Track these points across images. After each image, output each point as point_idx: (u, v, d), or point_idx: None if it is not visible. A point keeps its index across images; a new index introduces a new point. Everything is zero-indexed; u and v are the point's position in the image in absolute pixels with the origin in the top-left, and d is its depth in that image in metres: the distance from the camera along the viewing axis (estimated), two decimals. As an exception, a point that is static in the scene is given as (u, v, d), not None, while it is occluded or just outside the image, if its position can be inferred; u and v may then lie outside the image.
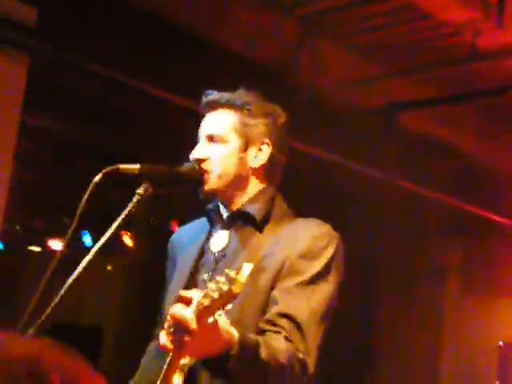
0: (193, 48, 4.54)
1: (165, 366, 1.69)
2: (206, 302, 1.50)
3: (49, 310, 1.64)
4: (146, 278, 7.86)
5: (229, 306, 1.52)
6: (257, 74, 4.56)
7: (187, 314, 1.51)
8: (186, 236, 2.14)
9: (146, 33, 4.37)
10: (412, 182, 6.11)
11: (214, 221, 2.03)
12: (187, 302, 1.55)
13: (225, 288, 1.47)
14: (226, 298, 1.48)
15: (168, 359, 1.68)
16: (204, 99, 2.01)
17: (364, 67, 5.19)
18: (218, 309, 1.51)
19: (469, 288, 7.35)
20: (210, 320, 1.52)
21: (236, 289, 1.47)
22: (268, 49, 4.77)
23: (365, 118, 5.39)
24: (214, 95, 1.99)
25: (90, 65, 4.21)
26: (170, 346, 1.60)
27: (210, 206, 2.04)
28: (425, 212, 6.87)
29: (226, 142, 1.95)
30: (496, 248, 7.19)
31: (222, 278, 1.49)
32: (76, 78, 4.46)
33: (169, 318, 1.57)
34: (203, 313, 1.51)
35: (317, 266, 1.85)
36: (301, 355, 1.75)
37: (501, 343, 6.24)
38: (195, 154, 1.95)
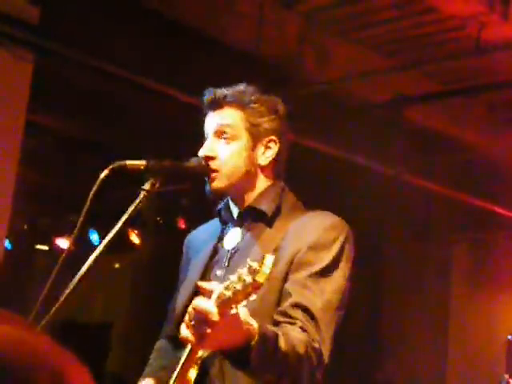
0: (195, 43, 4.53)
1: (183, 358, 1.71)
2: (228, 294, 1.50)
3: (56, 308, 1.64)
4: (153, 276, 7.87)
5: (253, 297, 1.51)
6: (260, 69, 4.55)
7: (209, 306, 1.52)
8: (200, 237, 2.16)
9: (149, 28, 4.37)
10: (417, 176, 6.10)
11: (226, 219, 2.04)
12: (208, 294, 1.55)
13: (248, 279, 1.47)
14: (249, 289, 1.48)
15: (187, 351, 1.70)
16: (208, 96, 1.99)
17: (369, 61, 5.18)
18: (242, 300, 1.51)
19: (475, 282, 7.34)
20: (233, 311, 1.53)
21: (260, 279, 1.47)
22: (271, 43, 4.76)
23: (370, 112, 5.38)
24: (219, 92, 1.98)
25: (95, 61, 4.21)
26: (191, 338, 1.60)
27: (220, 206, 2.05)
28: (430, 206, 6.87)
29: (236, 139, 1.95)
30: (502, 241, 7.18)
31: (244, 270, 1.49)
32: (81, 74, 4.47)
33: (190, 310, 1.58)
34: (225, 304, 1.51)
35: (328, 256, 1.86)
36: (317, 345, 1.76)
37: (509, 337, 6.23)
38: (204, 151, 1.94)
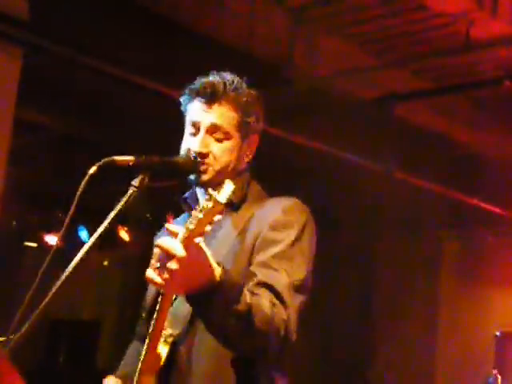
0: (185, 40, 4.52)
1: (157, 308, 1.70)
2: (191, 226, 1.53)
3: (43, 305, 1.64)
4: (142, 273, 7.86)
5: (217, 217, 1.53)
6: (250, 65, 4.54)
7: (174, 242, 1.54)
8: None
9: (139, 25, 4.36)
10: (408, 173, 6.12)
11: (193, 207, 2.05)
12: (174, 234, 1.57)
13: (209, 205, 1.51)
14: (210, 214, 1.52)
15: (160, 299, 1.69)
16: (204, 88, 1.97)
17: (359, 58, 5.19)
18: (205, 227, 1.53)
19: (465, 279, 7.38)
20: (197, 241, 1.54)
21: (221, 201, 1.51)
22: (262, 40, 4.76)
23: (360, 109, 5.39)
24: (216, 87, 1.96)
25: (84, 58, 4.19)
26: (158, 280, 1.59)
27: (186, 194, 2.07)
28: (420, 203, 6.89)
29: (229, 138, 1.97)
30: (490, 238, 7.21)
31: (204, 201, 1.54)
32: (70, 70, 4.45)
33: (155, 250, 1.58)
34: (189, 237, 1.53)
35: (289, 236, 1.88)
36: (285, 317, 1.76)
37: (497, 333, 6.26)
38: (198, 146, 1.94)
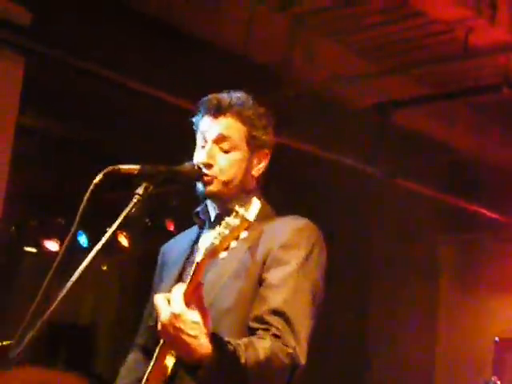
0: (185, 46, 4.54)
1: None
2: (216, 241, 1.58)
3: (50, 312, 1.65)
4: (141, 278, 7.86)
5: (243, 234, 1.59)
6: (250, 72, 4.56)
7: (164, 307, 1.66)
8: (175, 244, 2.20)
9: (140, 31, 4.37)
10: (406, 179, 6.13)
11: (204, 221, 2.06)
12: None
13: (236, 222, 1.56)
14: (238, 229, 1.57)
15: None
16: (211, 102, 2.00)
17: (358, 64, 5.21)
18: (231, 241, 1.59)
19: (463, 283, 7.38)
20: (221, 255, 1.61)
21: (249, 217, 1.56)
22: (261, 46, 4.78)
23: (359, 115, 5.40)
24: (224, 101, 1.99)
25: (86, 64, 4.21)
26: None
27: (198, 208, 2.08)
28: (418, 208, 6.90)
29: (235, 150, 1.98)
30: (489, 242, 7.22)
31: (230, 217, 1.58)
32: (72, 77, 4.46)
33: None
34: (212, 253, 1.60)
35: (300, 255, 1.90)
36: (290, 350, 1.79)
37: (496, 339, 6.25)
38: (205, 158, 1.96)
